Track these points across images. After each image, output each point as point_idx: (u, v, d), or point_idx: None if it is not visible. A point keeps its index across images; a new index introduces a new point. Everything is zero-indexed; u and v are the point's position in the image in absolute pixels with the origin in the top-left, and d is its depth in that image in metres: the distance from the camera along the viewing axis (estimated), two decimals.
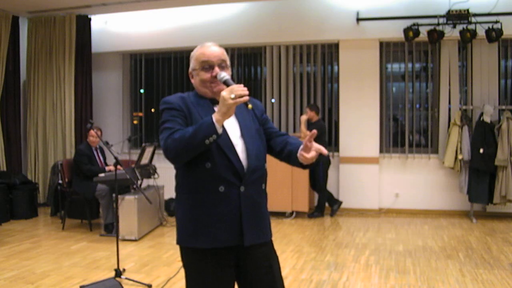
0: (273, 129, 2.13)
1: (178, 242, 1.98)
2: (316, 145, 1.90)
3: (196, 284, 1.97)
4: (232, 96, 1.76)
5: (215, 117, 1.79)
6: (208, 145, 1.81)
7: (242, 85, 1.81)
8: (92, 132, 5.66)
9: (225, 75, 1.92)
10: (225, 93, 1.79)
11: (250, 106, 1.86)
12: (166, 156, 1.89)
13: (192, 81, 2.05)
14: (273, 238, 2.08)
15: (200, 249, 1.91)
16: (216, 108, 1.85)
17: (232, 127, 1.95)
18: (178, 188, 2.00)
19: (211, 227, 1.90)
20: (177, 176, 2.01)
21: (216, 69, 1.96)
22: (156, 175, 5.93)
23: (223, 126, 1.86)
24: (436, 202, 6.69)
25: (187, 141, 1.81)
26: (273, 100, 7.19)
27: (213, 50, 1.99)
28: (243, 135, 1.96)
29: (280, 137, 2.09)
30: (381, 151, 6.91)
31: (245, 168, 1.91)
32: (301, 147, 1.93)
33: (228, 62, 2.03)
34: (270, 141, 2.09)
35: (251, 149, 1.94)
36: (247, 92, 1.79)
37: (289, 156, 2.01)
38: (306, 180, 6.45)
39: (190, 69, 2.05)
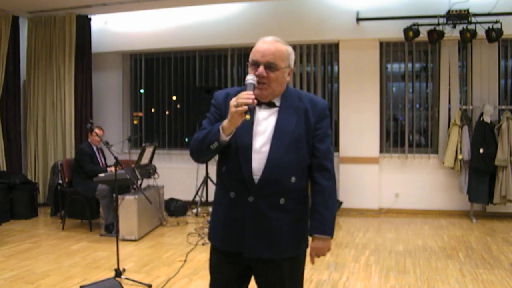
0: (317, 152, 1.88)
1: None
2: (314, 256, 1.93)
3: (211, 276, 2.02)
4: (235, 103, 1.69)
5: (223, 124, 1.75)
6: (216, 151, 1.81)
7: (250, 92, 1.72)
8: (98, 131, 5.70)
9: (249, 79, 1.79)
10: (233, 100, 1.72)
11: (247, 116, 1.71)
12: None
13: None
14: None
15: (215, 246, 1.97)
16: (258, 108, 1.84)
17: (265, 130, 1.84)
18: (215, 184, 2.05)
19: (221, 229, 1.91)
20: None
21: (261, 69, 1.81)
22: (156, 175, 5.93)
23: (251, 129, 1.82)
24: (436, 202, 6.69)
25: (198, 144, 1.85)
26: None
27: (264, 48, 1.83)
28: (272, 141, 1.81)
29: (320, 172, 1.88)
30: (381, 151, 6.90)
31: (258, 179, 1.80)
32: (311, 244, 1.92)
33: (283, 64, 1.85)
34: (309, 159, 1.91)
35: (273, 159, 1.80)
36: (250, 101, 1.69)
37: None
38: None
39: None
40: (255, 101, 1.73)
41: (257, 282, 1.98)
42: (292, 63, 1.92)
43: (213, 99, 1.95)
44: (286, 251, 1.86)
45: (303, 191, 1.90)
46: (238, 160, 1.81)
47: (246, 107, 1.68)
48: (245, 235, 1.83)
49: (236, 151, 1.81)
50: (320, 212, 1.86)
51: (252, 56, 1.85)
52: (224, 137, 1.74)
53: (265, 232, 1.82)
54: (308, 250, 1.95)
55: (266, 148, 1.81)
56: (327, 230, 1.88)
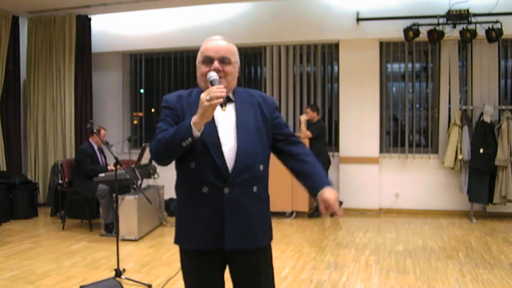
0: (284, 135, 2.02)
1: (174, 241, 1.98)
2: (329, 203, 1.87)
3: (187, 282, 1.97)
4: (208, 97, 1.71)
5: (193, 119, 1.75)
6: (186, 148, 1.78)
7: (222, 86, 1.76)
8: (103, 131, 5.71)
9: (212, 75, 1.84)
10: (203, 94, 1.73)
11: (224, 108, 1.80)
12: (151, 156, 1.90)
13: (197, 74, 1.99)
14: (273, 239, 2.04)
15: (187, 249, 1.92)
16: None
17: (227, 123, 1.89)
18: (175, 186, 2.00)
19: (195, 228, 1.86)
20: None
21: (216, 63, 1.88)
22: (156, 175, 5.92)
23: (214, 123, 1.84)
24: (436, 202, 6.69)
25: (166, 143, 1.80)
26: None
27: (216, 45, 1.92)
28: (237, 132, 1.87)
29: (295, 146, 2.01)
30: (381, 151, 6.91)
31: (231, 168, 1.83)
32: (320, 198, 1.89)
33: (234, 59, 1.94)
34: (279, 145, 2.02)
35: (242, 148, 1.85)
36: (223, 94, 1.73)
37: (303, 180, 1.97)
38: None
39: (196, 62, 2.00)
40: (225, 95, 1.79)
41: (233, 275, 1.95)
42: (238, 60, 1.99)
43: (164, 102, 1.95)
44: (262, 240, 1.93)
45: (267, 181, 1.99)
46: (209, 153, 1.83)
47: (221, 100, 1.72)
48: (225, 228, 1.83)
49: (205, 145, 1.83)
50: (317, 170, 1.98)
51: (204, 54, 1.92)
52: (197, 133, 1.76)
53: (243, 222, 1.86)
54: (322, 206, 1.91)
55: (233, 139, 1.86)
56: (329, 182, 1.98)
